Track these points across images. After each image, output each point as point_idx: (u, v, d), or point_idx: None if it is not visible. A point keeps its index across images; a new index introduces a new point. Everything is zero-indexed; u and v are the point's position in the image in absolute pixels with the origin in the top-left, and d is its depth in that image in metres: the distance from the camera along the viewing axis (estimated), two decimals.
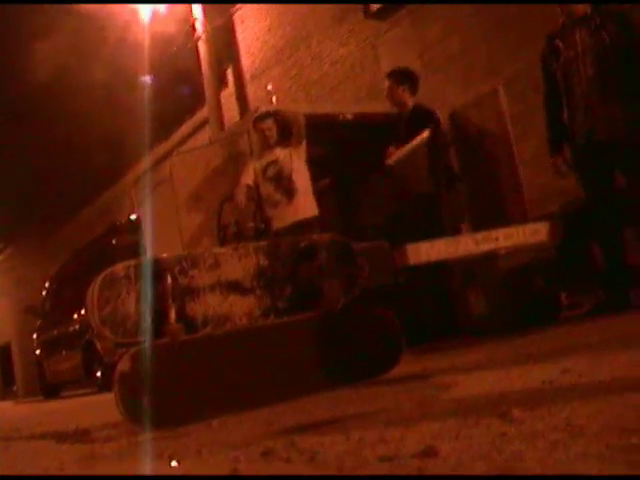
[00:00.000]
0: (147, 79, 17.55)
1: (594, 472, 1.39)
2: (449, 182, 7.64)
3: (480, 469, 1.59)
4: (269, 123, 8.04)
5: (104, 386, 12.30)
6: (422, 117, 7.57)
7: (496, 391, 2.80)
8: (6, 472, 3.06)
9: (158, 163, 18.94)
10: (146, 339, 3.78)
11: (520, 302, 6.27)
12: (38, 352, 17.10)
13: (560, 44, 6.17)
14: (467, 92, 10.02)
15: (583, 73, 6.03)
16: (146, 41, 16.80)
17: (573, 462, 1.51)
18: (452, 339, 6.40)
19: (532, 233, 6.52)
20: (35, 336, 17.33)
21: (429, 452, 1.82)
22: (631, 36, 6.01)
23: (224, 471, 2.03)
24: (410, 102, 7.69)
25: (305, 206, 7.88)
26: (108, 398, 4.20)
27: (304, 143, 7.91)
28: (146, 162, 20.42)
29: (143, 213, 12.14)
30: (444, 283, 6.74)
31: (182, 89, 19.02)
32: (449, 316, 6.67)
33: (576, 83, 6.07)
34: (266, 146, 8.07)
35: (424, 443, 1.92)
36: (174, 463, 2.43)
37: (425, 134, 7.42)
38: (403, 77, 7.84)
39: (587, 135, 6.03)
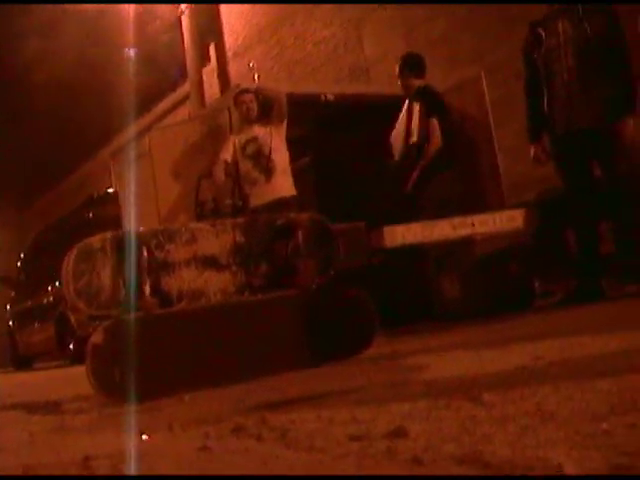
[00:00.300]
0: (130, 52, 17.44)
1: (562, 457, 1.39)
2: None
3: (450, 451, 1.59)
4: (250, 97, 8.02)
5: (76, 359, 12.26)
6: (428, 99, 7.67)
7: (468, 375, 2.81)
8: None
9: (138, 137, 18.85)
10: (120, 312, 3.78)
11: (494, 288, 6.31)
12: (11, 323, 17.01)
13: (543, 32, 6.19)
14: (450, 76, 10.01)
15: (564, 62, 6.05)
16: (130, 14, 16.71)
17: (543, 447, 1.52)
18: (426, 322, 6.42)
19: (508, 220, 6.54)
20: (8, 307, 17.23)
21: (399, 432, 1.82)
22: (613, 28, 6.03)
23: (194, 446, 2.03)
24: (416, 83, 7.80)
25: (283, 185, 7.87)
26: (80, 371, 4.18)
27: (285, 122, 7.90)
28: (125, 135, 20.32)
29: (121, 186, 12.08)
30: (419, 266, 6.75)
31: (164, 65, 18.91)
32: (423, 299, 6.69)
33: (557, 72, 6.09)
34: (246, 121, 8.05)
35: (394, 423, 1.93)
36: (144, 437, 2.43)
37: (435, 147, 7.50)
38: (408, 62, 7.95)
39: (566, 124, 6.06)
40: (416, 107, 7.55)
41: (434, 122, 7.57)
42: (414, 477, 1.26)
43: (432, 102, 7.68)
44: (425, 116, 7.62)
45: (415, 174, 7.54)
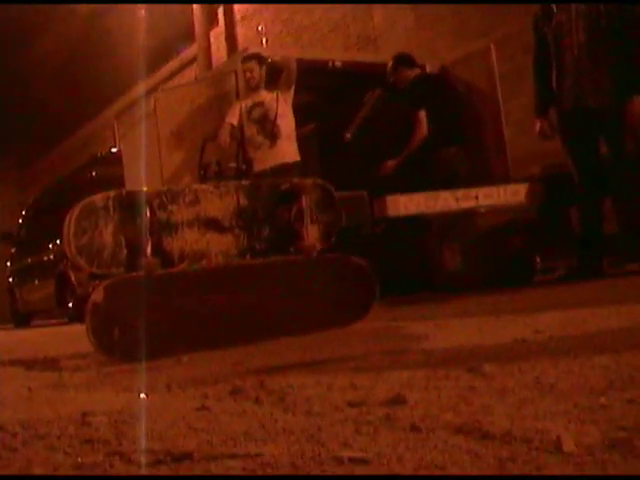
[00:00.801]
0: (139, 12, 17.36)
1: (560, 430, 1.40)
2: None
3: (448, 420, 1.60)
4: (253, 65, 7.99)
5: (75, 317, 12.29)
6: (420, 90, 7.84)
7: (467, 346, 2.82)
8: None
9: (143, 98, 18.78)
10: (121, 271, 3.78)
11: (495, 261, 6.31)
12: (11, 280, 17.04)
13: (554, 7, 6.15)
14: (457, 49, 9.97)
15: (575, 38, 6.02)
16: None
17: (541, 419, 1.53)
18: (426, 293, 6.43)
19: (512, 194, 6.55)
20: (8, 264, 17.26)
21: (397, 400, 1.83)
22: (625, 5, 5.99)
23: (193, 406, 2.04)
24: (411, 74, 7.97)
25: (287, 151, 7.86)
26: (79, 329, 4.20)
27: (292, 88, 7.87)
28: (131, 96, 20.26)
29: (125, 147, 12.04)
30: (421, 237, 6.75)
31: (173, 26, 18.82)
32: (424, 270, 6.70)
33: (567, 47, 6.06)
34: (250, 88, 8.03)
35: (393, 391, 1.93)
36: (143, 395, 2.43)
37: (421, 135, 7.68)
38: (399, 59, 8.16)
39: (575, 100, 6.03)
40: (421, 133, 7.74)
41: (422, 114, 7.73)
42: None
43: (423, 93, 7.85)
44: (413, 107, 7.84)
45: (397, 161, 7.72)
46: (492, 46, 8.63)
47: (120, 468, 1.47)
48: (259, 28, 11.04)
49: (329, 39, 14.34)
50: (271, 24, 15.47)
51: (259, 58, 8.08)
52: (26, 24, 19.95)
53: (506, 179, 8.09)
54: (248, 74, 7.95)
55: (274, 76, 7.85)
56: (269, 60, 8.02)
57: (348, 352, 3.11)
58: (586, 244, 6.14)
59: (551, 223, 6.99)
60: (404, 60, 8.23)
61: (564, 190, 6.47)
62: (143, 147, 9.55)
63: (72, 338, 6.61)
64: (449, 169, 7.50)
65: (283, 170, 7.49)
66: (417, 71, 8.06)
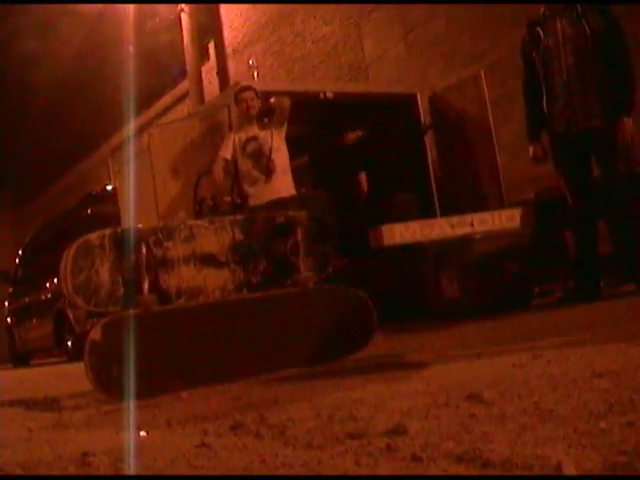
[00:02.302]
0: (130, 50, 17.43)
1: (561, 455, 1.40)
2: None
3: (449, 448, 1.60)
4: (250, 94, 8.00)
5: (75, 355, 12.25)
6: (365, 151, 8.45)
7: (466, 373, 2.82)
8: None
9: (137, 134, 18.83)
10: (118, 309, 3.78)
11: (492, 287, 6.30)
12: (9, 320, 17.00)
13: (541, 32, 6.19)
14: (449, 75, 10.03)
15: (563, 62, 6.06)
16: (130, 11, 16.71)
17: (541, 445, 1.53)
18: (424, 321, 6.42)
19: (507, 219, 6.57)
20: (6, 304, 17.22)
21: (398, 430, 1.83)
22: (611, 27, 6.03)
23: (193, 443, 2.04)
24: (353, 136, 8.57)
25: (283, 185, 7.86)
26: (78, 368, 4.19)
27: (286, 124, 7.89)
28: (125, 133, 20.31)
29: (120, 184, 12.06)
30: (418, 265, 6.75)
31: (164, 62, 18.90)
32: (422, 298, 6.69)
33: (556, 71, 6.09)
34: (246, 119, 8.03)
35: (393, 421, 1.93)
36: (143, 433, 2.43)
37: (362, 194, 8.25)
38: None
39: (565, 124, 6.06)
40: None
41: (362, 176, 8.18)
42: (412, 477, 1.26)
43: (364, 156, 8.29)
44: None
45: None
46: (482, 72, 8.69)
47: None
48: (250, 62, 11.08)
49: (320, 70, 14.40)
50: (262, 57, 15.55)
51: (254, 89, 8.10)
52: (18, 62, 20.05)
53: (500, 204, 8.13)
54: (245, 105, 7.94)
55: (268, 113, 7.86)
56: (264, 99, 8.04)
57: (347, 383, 3.10)
58: (582, 266, 6.15)
59: (546, 246, 7.00)
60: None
61: (558, 213, 6.49)
62: (137, 183, 9.56)
63: (71, 377, 6.58)
64: (400, 212, 7.66)
65: (279, 205, 7.50)
66: (359, 133, 8.24)
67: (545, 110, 6.17)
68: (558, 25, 6.10)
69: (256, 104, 7.93)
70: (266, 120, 7.78)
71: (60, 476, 1.35)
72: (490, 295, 6.23)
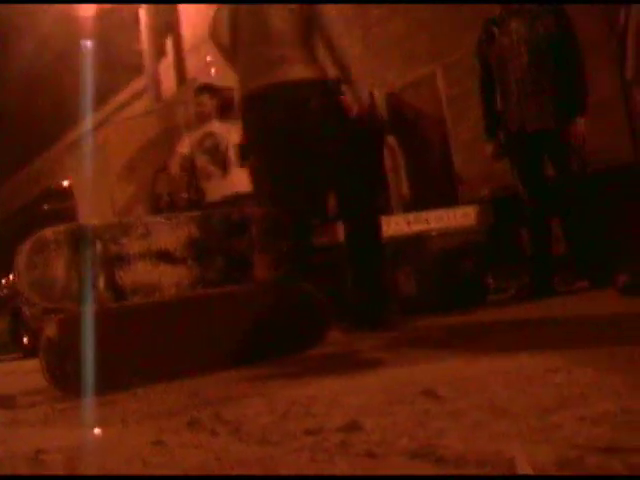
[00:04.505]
0: (86, 44, 17.28)
1: (514, 451, 1.41)
2: None
3: (403, 445, 1.60)
4: (205, 98, 7.99)
5: (30, 352, 12.16)
6: None
7: (421, 370, 2.83)
8: None
9: (94, 130, 18.68)
10: (74, 306, 3.75)
11: (448, 284, 6.35)
12: None
13: (496, 31, 6.24)
14: (406, 75, 10.08)
15: (517, 62, 6.12)
16: (87, 5, 16.58)
17: (495, 441, 1.54)
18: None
19: (462, 216, 6.61)
20: None
21: (353, 427, 1.83)
22: (564, 28, 6.10)
23: (148, 440, 2.03)
24: None
25: (239, 181, 7.85)
26: (34, 364, 4.15)
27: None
28: (81, 129, 20.14)
29: (76, 180, 11.99)
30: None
31: (121, 57, 18.77)
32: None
33: (510, 71, 6.15)
34: (201, 120, 8.03)
35: (349, 417, 1.93)
36: (97, 430, 2.42)
37: None
38: None
39: (519, 124, 6.12)
40: None
41: None
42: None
43: None
44: None
45: None
46: (438, 71, 8.74)
47: None
48: (208, 58, 11.05)
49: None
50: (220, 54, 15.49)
51: (210, 90, 8.09)
52: None
53: (456, 202, 8.18)
54: (200, 107, 7.95)
55: (225, 109, 7.85)
56: (222, 94, 8.02)
57: (302, 380, 3.11)
58: (536, 263, 6.21)
59: (502, 244, 7.06)
60: None
61: (514, 211, 6.54)
62: (94, 180, 9.51)
63: (27, 374, 6.53)
64: None
65: (236, 200, 7.49)
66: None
67: (500, 109, 6.23)
68: (513, 25, 6.16)
69: (209, 106, 7.92)
70: (224, 115, 7.78)
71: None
72: (446, 292, 6.27)
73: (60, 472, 1.75)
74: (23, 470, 1.82)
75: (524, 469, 1.31)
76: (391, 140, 8.34)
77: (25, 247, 3.70)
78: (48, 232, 3.78)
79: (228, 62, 5.57)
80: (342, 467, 1.50)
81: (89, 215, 9.57)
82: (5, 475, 1.38)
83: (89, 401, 3.30)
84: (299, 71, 5.11)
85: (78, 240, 3.82)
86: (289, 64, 5.10)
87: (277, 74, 5.07)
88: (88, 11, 16.47)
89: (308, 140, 5.11)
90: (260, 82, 5.12)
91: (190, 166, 7.99)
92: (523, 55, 6.09)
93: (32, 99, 21.06)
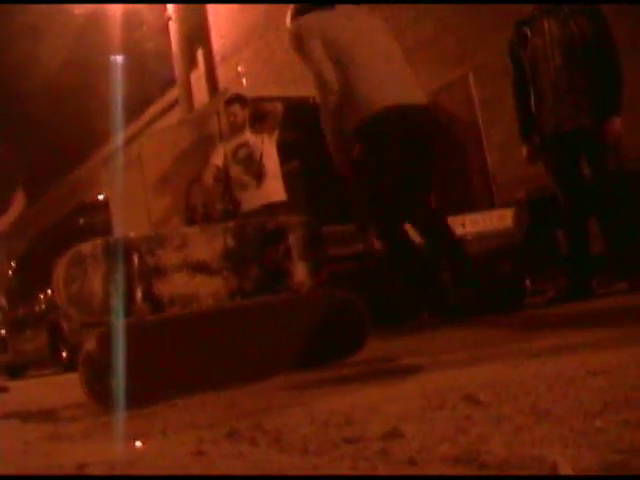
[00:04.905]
0: (118, 58, 17.42)
1: (557, 455, 1.39)
2: None
3: (445, 451, 1.59)
4: (236, 108, 8.03)
5: (70, 366, 12.25)
6: None
7: (461, 375, 2.81)
8: None
9: (128, 143, 18.81)
10: (112, 319, 3.77)
11: (486, 287, 6.31)
12: (3, 332, 16.99)
13: (528, 32, 6.20)
14: (438, 77, 10.05)
15: (551, 62, 6.06)
16: (117, 19, 16.71)
17: (538, 445, 1.53)
18: (418, 322, 6.40)
19: (498, 219, 6.58)
20: (0, 316, 17.21)
21: (394, 434, 1.82)
22: (599, 28, 6.05)
23: (188, 451, 2.03)
24: None
25: (274, 190, 7.88)
26: (73, 378, 4.17)
27: (277, 130, 7.91)
28: (115, 142, 20.28)
29: (111, 193, 12.07)
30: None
31: (153, 70, 18.90)
32: (416, 299, 6.68)
33: (544, 72, 6.10)
34: (234, 130, 8.06)
35: (389, 425, 1.92)
36: (138, 443, 2.42)
37: None
38: None
39: (554, 125, 6.07)
40: None
41: None
42: (409, 477, 1.26)
43: None
44: None
45: None
46: (470, 73, 8.70)
47: None
48: (239, 68, 11.11)
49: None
50: (251, 63, 15.55)
51: (241, 100, 8.12)
52: (7, 67, 20.02)
53: (491, 205, 8.14)
54: (232, 117, 7.99)
55: (258, 119, 7.89)
56: (254, 105, 8.06)
57: (342, 388, 3.10)
58: (574, 265, 6.16)
59: (538, 246, 7.01)
60: None
61: (550, 212, 6.50)
62: (129, 192, 9.56)
63: (67, 387, 6.56)
64: None
65: (271, 209, 7.51)
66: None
67: (534, 110, 6.18)
68: (546, 25, 6.11)
69: (241, 116, 7.96)
70: (257, 126, 7.81)
71: (60, 476, 1.34)
72: (484, 296, 6.23)
73: None
74: None
75: (567, 473, 1.30)
76: None
77: (62, 261, 3.72)
78: (85, 246, 3.80)
79: (319, 71, 5.79)
80: (384, 475, 1.49)
81: (125, 228, 9.62)
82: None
83: (129, 414, 3.31)
84: (423, 94, 5.88)
85: (115, 253, 3.84)
86: (416, 86, 5.84)
87: (415, 96, 5.74)
88: (118, 24, 16.58)
89: (428, 155, 5.87)
90: (400, 101, 5.61)
91: (224, 177, 8.03)
92: (557, 55, 6.04)
93: (67, 112, 21.23)
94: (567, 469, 1.31)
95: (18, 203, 7.74)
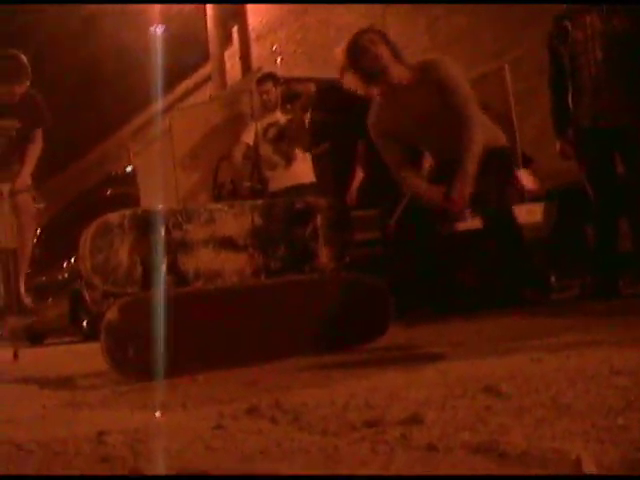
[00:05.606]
0: (156, 29, 17.41)
1: (579, 450, 1.39)
2: None
3: (465, 439, 1.59)
4: (268, 86, 8.01)
5: (89, 335, 12.31)
6: None
7: (483, 366, 2.81)
8: None
9: (158, 117, 18.84)
10: (136, 290, 3.78)
11: (511, 281, 6.28)
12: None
13: (569, 25, 6.14)
14: (472, 69, 9.99)
15: (591, 56, 5.99)
16: None
17: (559, 439, 1.52)
18: (441, 312, 6.39)
19: (527, 213, 6.53)
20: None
21: (414, 419, 1.82)
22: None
23: (208, 425, 2.03)
24: None
25: (303, 171, 7.87)
26: (93, 348, 4.20)
27: (309, 111, 7.90)
28: (145, 115, 20.32)
29: (140, 166, 12.09)
30: (437, 256, 6.73)
31: (187, 46, 18.89)
32: (440, 289, 6.66)
33: (584, 65, 6.03)
34: (265, 108, 8.05)
35: (409, 411, 1.92)
36: (158, 414, 2.43)
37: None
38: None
39: (592, 119, 6.00)
40: None
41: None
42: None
43: None
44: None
45: None
46: (506, 66, 8.64)
47: None
48: (273, 48, 11.10)
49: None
50: (285, 43, 15.53)
51: (274, 78, 8.10)
52: (39, 36, 20.05)
53: (521, 199, 8.09)
54: (264, 96, 7.97)
55: (291, 99, 7.87)
56: (287, 85, 8.05)
57: (363, 372, 3.10)
58: (601, 263, 6.11)
59: (566, 241, 6.97)
60: None
61: (579, 208, 6.45)
62: (158, 166, 9.58)
63: (86, 356, 6.61)
64: None
65: (299, 190, 7.50)
66: None
67: (571, 105, 6.12)
68: (588, 19, 6.04)
69: (274, 95, 7.94)
70: (289, 106, 7.79)
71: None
72: (509, 289, 6.20)
73: (124, 453, 1.76)
74: (86, 450, 1.84)
75: (590, 469, 1.29)
76: None
77: (89, 230, 3.73)
78: (113, 216, 3.81)
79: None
80: (403, 459, 1.49)
81: (152, 201, 9.64)
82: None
83: (149, 385, 3.33)
84: None
85: (142, 225, 3.85)
86: None
87: None
88: None
89: None
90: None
91: (254, 155, 8.03)
92: (597, 50, 5.97)
93: (99, 84, 21.29)
94: (590, 465, 1.30)
95: (37, 143, 7.69)
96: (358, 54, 5.84)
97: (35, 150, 7.49)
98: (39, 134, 7.46)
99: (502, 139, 6.07)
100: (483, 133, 5.67)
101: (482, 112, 5.87)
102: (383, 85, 5.88)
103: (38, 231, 17.40)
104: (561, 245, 6.86)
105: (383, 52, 5.86)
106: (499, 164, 5.73)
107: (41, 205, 8.06)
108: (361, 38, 5.89)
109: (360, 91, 5.95)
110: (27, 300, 7.51)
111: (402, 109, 5.88)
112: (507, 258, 5.84)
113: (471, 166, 5.50)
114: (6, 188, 7.17)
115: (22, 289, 7.37)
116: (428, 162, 6.24)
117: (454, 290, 6.52)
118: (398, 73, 5.88)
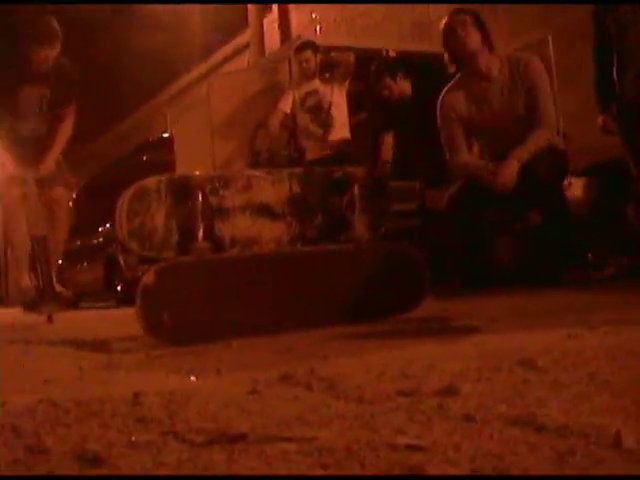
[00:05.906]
0: None
1: (619, 425, 1.37)
2: None
3: (502, 411, 1.58)
4: (308, 54, 7.98)
5: (123, 300, 12.41)
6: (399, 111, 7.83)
7: (518, 340, 2.79)
8: (26, 374, 3.09)
9: (195, 83, 18.84)
10: (172, 255, 3.79)
11: (548, 257, 6.23)
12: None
13: None
14: (515, 40, 9.89)
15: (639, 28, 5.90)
16: None
17: (598, 414, 1.50)
18: (470, 288, 6.37)
19: (567, 187, 6.47)
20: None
21: (450, 390, 1.81)
22: None
23: (243, 390, 2.04)
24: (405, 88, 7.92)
25: (340, 141, 7.84)
26: (126, 312, 4.21)
27: (348, 80, 7.86)
28: (183, 81, 20.32)
29: (176, 132, 12.11)
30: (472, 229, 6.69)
31: (226, 13, 18.86)
32: (476, 262, 6.63)
33: (631, 37, 5.94)
34: (304, 76, 8.02)
35: (445, 382, 1.91)
36: (193, 378, 2.44)
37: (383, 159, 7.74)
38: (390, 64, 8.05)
39: (637, 93, 5.91)
40: None
41: (389, 138, 7.64)
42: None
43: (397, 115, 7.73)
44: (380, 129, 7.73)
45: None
46: (550, 37, 8.54)
47: (174, 447, 1.47)
48: (313, 16, 11.05)
49: (383, 27, 14.26)
50: (324, 11, 15.44)
51: (313, 47, 8.07)
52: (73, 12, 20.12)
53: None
54: (303, 64, 7.94)
55: (330, 68, 7.84)
56: (326, 53, 8.01)
57: (398, 342, 3.09)
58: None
59: (606, 219, 6.90)
60: (394, 65, 8.03)
61: (620, 185, 6.38)
62: (195, 132, 9.59)
63: (120, 321, 6.65)
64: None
65: (335, 160, 7.49)
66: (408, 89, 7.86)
67: (616, 78, 6.03)
68: None
69: (313, 63, 7.91)
70: (327, 75, 7.76)
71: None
72: (545, 264, 6.17)
73: (159, 415, 1.76)
74: (123, 410, 1.85)
75: (630, 444, 1.28)
76: None
77: (126, 195, 3.74)
78: (150, 181, 3.82)
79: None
80: (440, 429, 1.48)
81: (188, 168, 9.66)
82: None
83: (183, 349, 3.34)
84: None
85: (179, 190, 3.85)
86: None
87: None
88: None
89: None
90: None
91: (291, 123, 8.01)
92: None
93: (135, 50, 21.32)
94: (630, 440, 1.28)
95: (67, 122, 7.72)
96: (448, 35, 5.81)
97: (65, 130, 7.48)
98: (71, 112, 7.44)
99: (561, 144, 6.04)
100: (548, 140, 5.69)
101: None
102: (469, 69, 5.84)
103: (74, 195, 17.55)
104: (600, 222, 6.79)
105: (473, 37, 5.79)
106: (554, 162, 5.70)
107: (73, 194, 8.06)
108: (453, 19, 5.82)
109: (450, 69, 5.95)
110: (60, 289, 7.54)
111: (481, 98, 5.84)
112: (554, 234, 5.78)
113: (524, 154, 5.51)
114: (31, 176, 7.17)
115: (54, 278, 7.38)
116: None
117: (487, 267, 6.48)
118: (486, 62, 5.82)
